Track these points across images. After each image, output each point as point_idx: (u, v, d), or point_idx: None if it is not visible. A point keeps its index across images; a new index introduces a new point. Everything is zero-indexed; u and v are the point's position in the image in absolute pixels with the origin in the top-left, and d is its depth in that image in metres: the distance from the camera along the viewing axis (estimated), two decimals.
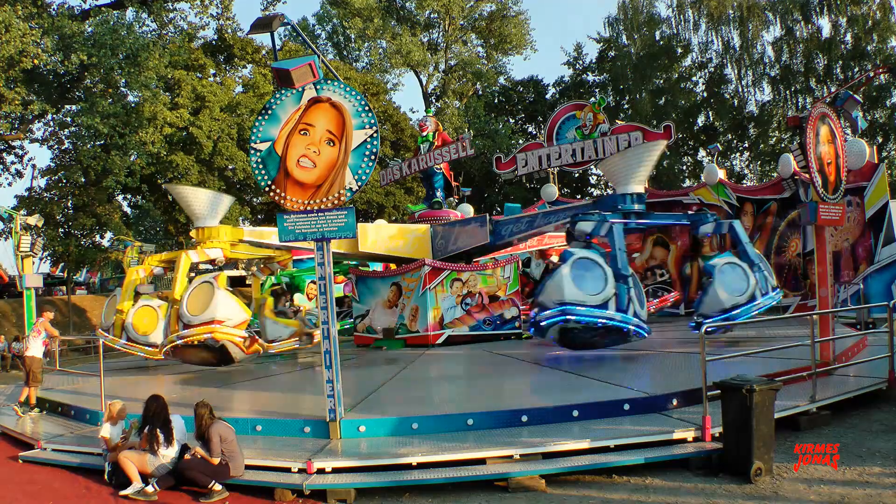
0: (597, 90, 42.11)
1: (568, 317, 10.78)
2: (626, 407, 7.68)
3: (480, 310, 15.73)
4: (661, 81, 40.40)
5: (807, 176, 9.87)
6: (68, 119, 24.55)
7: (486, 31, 43.78)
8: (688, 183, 37.99)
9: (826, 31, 35.99)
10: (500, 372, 11.47)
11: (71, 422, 9.77)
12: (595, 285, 10.81)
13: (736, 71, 39.52)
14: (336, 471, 6.58)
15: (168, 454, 6.81)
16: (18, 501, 6.75)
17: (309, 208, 7.48)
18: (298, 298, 23.53)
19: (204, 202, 12.94)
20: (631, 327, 11.03)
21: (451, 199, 19.82)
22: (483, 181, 40.09)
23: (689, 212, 20.85)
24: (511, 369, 11.57)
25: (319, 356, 7.71)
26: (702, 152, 40.71)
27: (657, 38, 40.95)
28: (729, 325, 12.14)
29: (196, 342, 12.34)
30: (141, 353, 13.61)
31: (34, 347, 11.11)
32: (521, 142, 34.89)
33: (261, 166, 7.65)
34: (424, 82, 43.86)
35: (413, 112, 47.90)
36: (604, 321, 10.85)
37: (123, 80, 22.98)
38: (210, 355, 12.89)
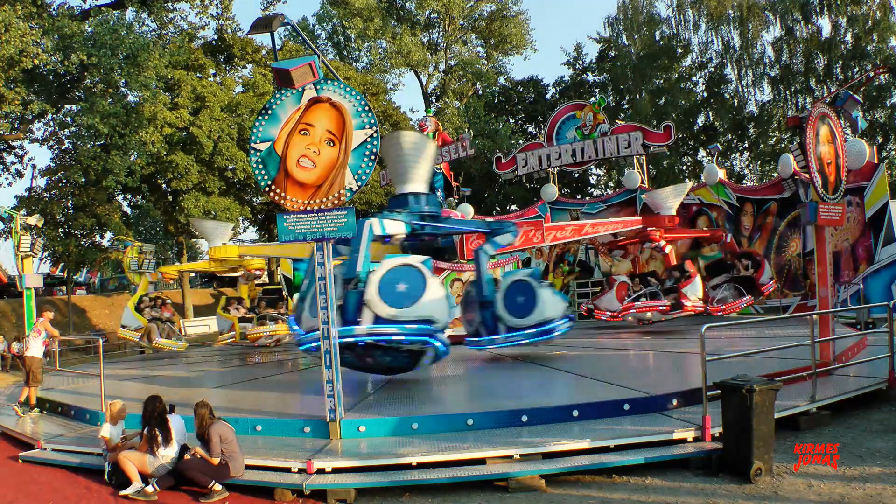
0: (597, 90, 42.08)
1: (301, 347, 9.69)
2: (626, 407, 7.69)
3: None
4: (661, 81, 40.37)
5: (807, 176, 9.87)
6: (68, 119, 24.51)
7: (486, 31, 43.71)
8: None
9: (826, 31, 35.99)
10: (500, 372, 11.46)
11: (71, 422, 9.77)
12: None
13: (736, 71, 39.50)
14: (336, 471, 6.58)
15: (168, 454, 6.81)
16: (18, 501, 6.75)
17: (309, 208, 7.48)
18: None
19: (214, 230, 17.54)
20: (366, 339, 8.95)
21: (451, 199, 19.79)
22: (483, 181, 40.08)
23: (694, 210, 20.90)
24: (511, 369, 11.57)
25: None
26: (702, 152, 40.69)
27: (657, 38, 40.92)
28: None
29: None
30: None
31: (34, 347, 11.11)
32: (521, 142, 34.88)
33: (261, 166, 7.65)
34: (424, 82, 43.84)
35: (413, 112, 47.84)
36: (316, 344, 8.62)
37: (123, 80, 22.95)
38: None
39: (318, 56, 8.43)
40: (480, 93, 44.28)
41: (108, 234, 29.58)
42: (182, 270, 23.67)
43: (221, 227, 18.03)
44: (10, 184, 26.67)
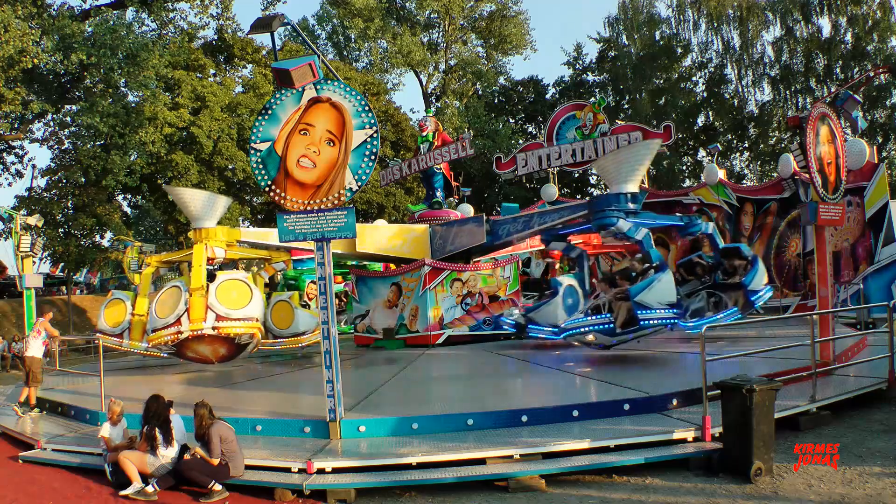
0: (597, 90, 42.10)
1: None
2: (626, 407, 7.68)
3: (480, 310, 15.71)
4: (661, 81, 40.40)
5: (807, 176, 9.87)
6: (68, 119, 24.55)
7: (486, 31, 43.76)
8: (688, 183, 37.97)
9: (826, 31, 36.05)
10: (500, 372, 11.46)
11: (71, 422, 9.77)
12: None
13: (736, 71, 39.53)
14: (336, 471, 6.58)
15: (168, 454, 6.81)
16: (18, 501, 6.75)
17: (309, 208, 7.48)
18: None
19: (201, 203, 12.99)
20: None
21: (451, 199, 19.81)
22: (483, 181, 40.10)
23: (693, 211, 20.90)
24: (511, 369, 11.57)
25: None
26: (702, 152, 40.71)
27: (657, 38, 40.96)
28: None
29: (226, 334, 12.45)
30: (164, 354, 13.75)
31: (34, 347, 11.10)
32: (521, 142, 34.89)
33: (261, 166, 7.65)
34: (424, 82, 43.85)
35: (413, 112, 47.90)
36: None
37: (123, 80, 22.97)
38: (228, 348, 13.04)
39: (318, 56, 8.46)
40: (480, 93, 44.30)
41: (108, 234, 29.61)
42: (171, 261, 17.27)
43: (212, 201, 13.20)
44: (10, 184, 26.80)
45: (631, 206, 11.14)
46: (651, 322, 10.40)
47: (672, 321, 10.49)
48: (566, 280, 12.65)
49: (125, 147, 23.76)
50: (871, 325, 14.93)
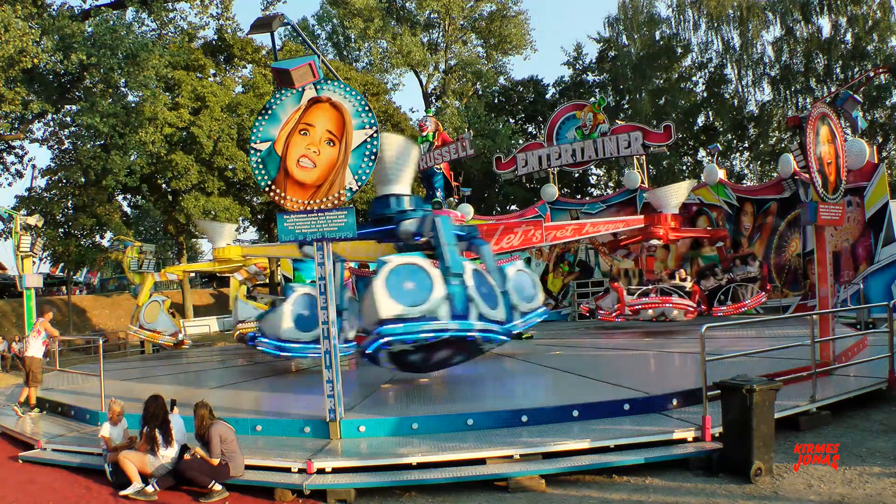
0: (597, 90, 42.09)
1: (385, 339, 8.51)
2: (626, 407, 7.68)
3: None
4: (661, 81, 40.38)
5: (807, 176, 9.87)
6: (68, 119, 24.54)
7: (486, 31, 43.72)
8: None
9: (826, 31, 36.01)
10: (500, 372, 11.47)
11: (71, 422, 9.78)
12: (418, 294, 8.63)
13: (736, 71, 39.51)
14: (336, 471, 6.58)
15: (168, 454, 6.81)
16: (18, 501, 6.75)
17: (309, 208, 7.48)
18: None
19: (216, 231, 17.82)
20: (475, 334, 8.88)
21: (452, 199, 19.80)
22: (483, 181, 40.07)
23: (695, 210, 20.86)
24: (511, 369, 11.57)
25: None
26: (702, 152, 40.70)
27: (657, 38, 40.94)
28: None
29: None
30: (161, 341, 18.55)
31: (34, 347, 11.11)
32: (521, 142, 34.89)
33: (261, 166, 7.65)
34: (424, 82, 43.82)
35: (413, 112, 47.95)
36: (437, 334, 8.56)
37: (123, 80, 22.97)
38: None
39: (318, 56, 8.43)
40: (480, 93, 44.28)
41: (108, 234, 29.61)
42: (184, 271, 23.99)
43: (225, 228, 18.08)
44: (10, 184, 26.74)
45: (407, 207, 9.88)
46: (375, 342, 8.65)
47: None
48: (302, 288, 11.34)
49: (125, 147, 23.75)
50: (871, 325, 14.94)
